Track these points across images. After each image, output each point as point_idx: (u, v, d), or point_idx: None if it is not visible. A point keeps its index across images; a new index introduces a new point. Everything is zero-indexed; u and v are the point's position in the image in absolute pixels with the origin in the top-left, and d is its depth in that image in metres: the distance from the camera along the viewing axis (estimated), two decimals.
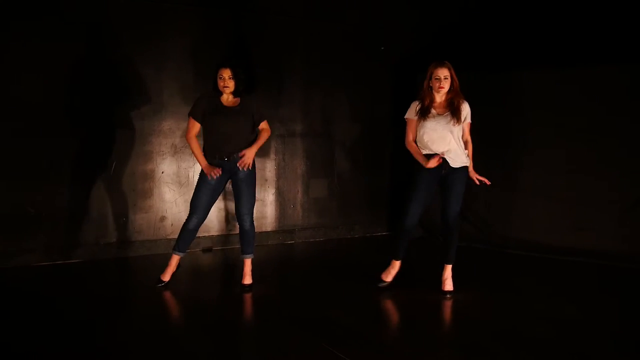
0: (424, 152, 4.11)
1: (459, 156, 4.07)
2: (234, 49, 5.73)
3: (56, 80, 5.01)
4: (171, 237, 5.52)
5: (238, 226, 4.39)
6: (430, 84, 4.08)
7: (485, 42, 6.25)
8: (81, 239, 5.18)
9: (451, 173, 4.08)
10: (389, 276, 4.35)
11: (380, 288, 4.29)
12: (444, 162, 4.04)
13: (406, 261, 4.57)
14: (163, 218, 5.55)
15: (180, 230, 4.34)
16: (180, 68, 5.50)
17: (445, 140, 4.05)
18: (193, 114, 4.18)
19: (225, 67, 4.11)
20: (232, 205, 5.79)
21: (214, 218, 5.75)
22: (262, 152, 5.97)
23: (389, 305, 4.14)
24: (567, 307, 3.98)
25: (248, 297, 4.19)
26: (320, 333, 3.37)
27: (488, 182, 4.18)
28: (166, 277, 4.32)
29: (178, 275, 4.43)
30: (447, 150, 4.04)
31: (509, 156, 5.80)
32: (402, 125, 6.53)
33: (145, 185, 5.47)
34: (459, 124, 4.05)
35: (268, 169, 6.02)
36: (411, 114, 4.18)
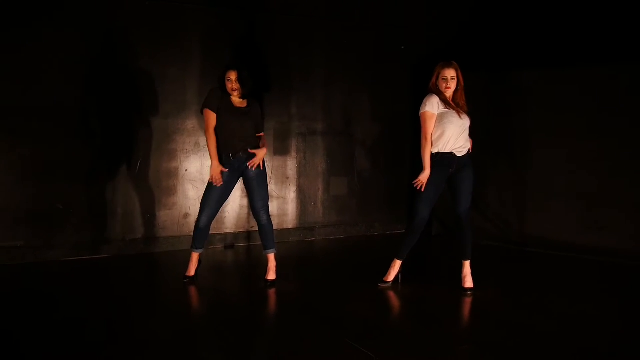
0: (437, 149, 4.12)
1: (467, 147, 4.15)
2: (256, 49, 5.83)
3: (83, 83, 5.15)
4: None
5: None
6: (438, 84, 4.12)
7: (501, 42, 6.28)
8: (108, 235, 5.32)
9: (460, 171, 4.13)
10: (390, 277, 4.38)
11: (389, 287, 4.34)
12: (453, 160, 4.09)
13: (426, 258, 4.66)
14: (187, 215, 5.67)
15: (194, 229, 4.43)
16: (202, 68, 5.61)
17: (464, 136, 4.10)
18: (209, 106, 4.22)
19: (233, 69, 4.20)
20: None
21: (236, 215, 5.87)
22: (283, 151, 6.09)
23: (409, 302, 4.19)
24: (582, 304, 4.00)
25: (271, 292, 4.27)
26: (342, 328, 3.44)
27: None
28: (190, 272, 4.43)
29: (202, 271, 4.55)
30: (463, 146, 4.09)
31: (524, 155, 5.82)
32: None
33: (169, 182, 5.59)
34: (469, 121, 4.10)
35: (289, 167, 6.11)
36: (434, 108, 4.09)
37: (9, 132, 4.89)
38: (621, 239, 5.21)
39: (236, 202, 5.86)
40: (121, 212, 5.38)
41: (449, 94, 4.12)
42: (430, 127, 4.11)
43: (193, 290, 4.35)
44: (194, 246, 4.43)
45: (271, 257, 4.42)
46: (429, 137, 4.12)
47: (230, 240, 5.87)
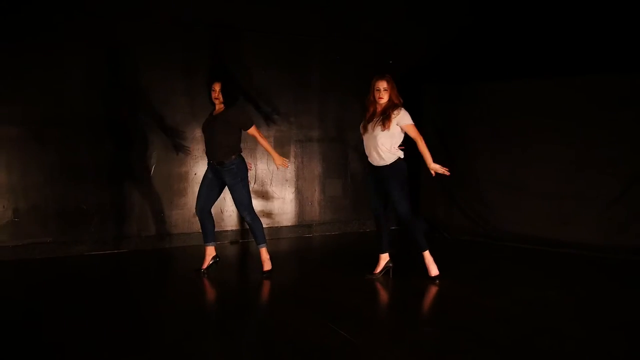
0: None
1: (383, 158, 4.63)
2: (257, 65, 6.40)
3: (104, 97, 5.74)
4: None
5: None
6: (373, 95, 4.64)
7: (482, 55, 6.84)
8: (126, 232, 5.90)
9: (379, 174, 4.67)
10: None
11: (377, 277, 4.81)
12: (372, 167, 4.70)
13: (410, 253, 5.19)
14: (195, 214, 6.26)
15: None
16: (211, 82, 6.19)
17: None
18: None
19: (217, 81, 4.81)
20: (257, 203, 6.53)
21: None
22: (283, 156, 6.48)
23: (388, 291, 4.64)
24: (548, 291, 4.45)
25: (267, 282, 4.72)
26: (326, 313, 3.89)
27: (447, 173, 4.70)
28: (203, 265, 4.96)
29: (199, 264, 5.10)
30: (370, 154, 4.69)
31: (507, 157, 6.29)
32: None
33: (180, 185, 6.18)
34: (386, 129, 4.59)
35: (288, 171, 6.69)
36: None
37: (39, 139, 5.49)
38: (584, 233, 5.75)
39: None
40: (138, 211, 5.97)
41: (381, 103, 4.65)
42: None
43: (198, 280, 4.85)
44: (203, 240, 5.01)
45: (263, 250, 4.87)
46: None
47: (235, 237, 6.49)
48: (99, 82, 5.71)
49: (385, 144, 4.59)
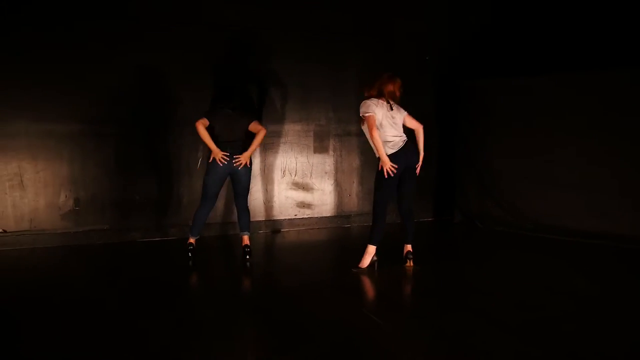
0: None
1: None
2: (298, 63, 6.70)
3: (155, 98, 6.15)
4: None
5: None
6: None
7: (518, 49, 6.96)
8: (174, 221, 6.29)
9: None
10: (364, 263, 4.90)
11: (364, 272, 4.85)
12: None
13: (445, 242, 5.35)
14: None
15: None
16: (253, 81, 6.55)
17: None
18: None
19: None
20: (298, 195, 6.83)
21: (285, 204, 6.81)
22: (322, 149, 6.95)
23: (418, 279, 4.77)
24: (575, 280, 4.60)
25: (305, 269, 4.95)
26: (361, 299, 4.22)
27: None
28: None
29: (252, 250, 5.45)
30: None
31: (535, 150, 6.40)
32: (446, 124, 7.43)
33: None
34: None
35: (327, 164, 6.98)
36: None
37: (98, 136, 5.94)
38: (616, 225, 5.82)
39: (282, 194, 6.80)
40: (185, 202, 6.35)
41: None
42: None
43: (233, 266, 5.23)
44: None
45: (247, 237, 5.28)
46: None
47: (277, 227, 6.82)
48: (148, 82, 6.11)
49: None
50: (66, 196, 5.89)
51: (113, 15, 5.90)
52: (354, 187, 7.16)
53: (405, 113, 5.07)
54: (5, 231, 5.73)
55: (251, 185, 6.60)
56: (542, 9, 6.91)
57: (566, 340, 3.28)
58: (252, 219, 6.63)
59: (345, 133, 7.02)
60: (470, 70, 7.27)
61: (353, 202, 7.16)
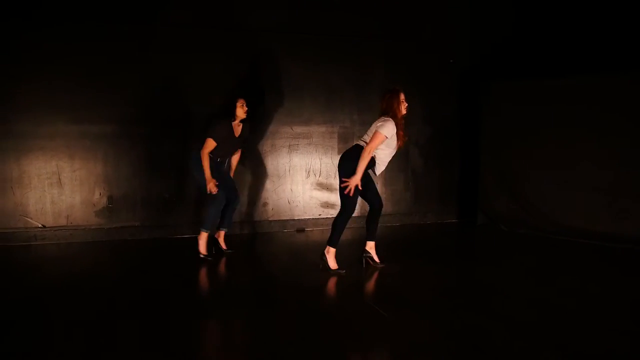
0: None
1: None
2: (324, 67, 6.87)
3: (183, 101, 6.40)
4: (272, 219, 6.82)
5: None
6: (399, 107, 4.80)
7: (541, 51, 6.98)
8: (202, 219, 6.50)
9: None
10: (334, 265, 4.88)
11: (342, 273, 4.83)
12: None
13: (467, 243, 5.35)
14: (265, 204, 6.83)
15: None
16: (279, 84, 6.75)
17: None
18: None
19: (243, 97, 5.40)
20: (322, 195, 6.99)
21: (309, 204, 6.98)
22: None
23: (433, 277, 4.81)
24: (592, 283, 4.60)
25: (322, 267, 4.96)
26: (372, 295, 4.34)
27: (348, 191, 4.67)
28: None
29: (274, 248, 5.63)
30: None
31: (559, 152, 6.41)
32: (469, 126, 7.47)
33: (251, 176, 6.75)
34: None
35: None
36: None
37: (129, 137, 6.24)
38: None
39: (306, 194, 6.97)
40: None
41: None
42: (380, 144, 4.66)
43: (256, 262, 5.46)
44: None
45: (223, 233, 5.57)
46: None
47: (302, 225, 7.00)
48: (178, 86, 6.37)
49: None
50: (100, 194, 6.20)
51: (144, 20, 6.21)
52: (377, 188, 7.24)
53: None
54: (44, 226, 6.07)
55: (275, 186, 6.84)
56: (567, 10, 6.89)
57: (577, 342, 3.29)
58: (277, 218, 6.87)
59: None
60: (495, 71, 7.32)
61: None
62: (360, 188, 4.75)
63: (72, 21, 5.97)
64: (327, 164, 7.00)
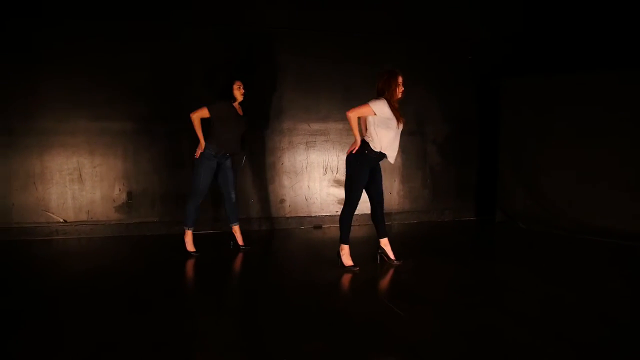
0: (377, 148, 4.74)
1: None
2: (341, 65, 6.87)
3: (199, 98, 6.43)
4: (289, 215, 6.86)
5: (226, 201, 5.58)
6: (394, 90, 4.65)
7: (560, 47, 6.90)
8: (221, 215, 6.54)
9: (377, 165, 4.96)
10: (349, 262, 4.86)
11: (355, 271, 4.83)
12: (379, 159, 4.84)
13: (485, 241, 5.29)
14: (282, 200, 6.87)
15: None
16: (297, 81, 6.77)
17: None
18: None
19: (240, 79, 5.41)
20: (339, 192, 7.01)
21: (326, 201, 7.00)
22: None
23: (449, 275, 4.79)
24: (609, 283, 4.54)
25: (336, 265, 4.98)
26: (386, 292, 4.34)
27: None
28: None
29: (291, 245, 5.65)
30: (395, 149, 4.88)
31: (579, 149, 6.32)
32: (488, 123, 7.39)
33: (268, 174, 6.81)
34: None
35: None
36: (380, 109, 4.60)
37: (149, 133, 6.32)
38: None
39: (323, 191, 6.99)
40: (233, 196, 6.63)
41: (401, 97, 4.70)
42: (364, 114, 4.62)
43: (272, 259, 5.49)
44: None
45: (238, 227, 5.61)
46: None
47: (319, 222, 7.02)
48: (197, 83, 6.41)
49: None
50: (120, 190, 6.29)
51: (164, 18, 6.27)
52: (395, 186, 7.26)
53: None
54: (65, 221, 6.18)
55: (292, 183, 6.87)
56: (590, 3, 6.79)
57: (591, 343, 3.26)
58: (295, 215, 6.90)
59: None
60: (514, 68, 7.25)
61: (394, 200, 7.27)
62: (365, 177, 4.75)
63: (93, 19, 6.06)
64: (344, 160, 6.92)
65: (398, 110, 4.67)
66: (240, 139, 5.45)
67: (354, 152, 4.71)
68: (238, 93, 5.36)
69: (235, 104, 5.39)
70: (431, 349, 3.15)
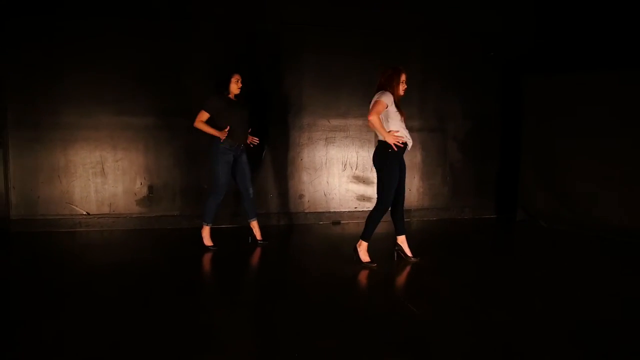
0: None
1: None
2: (362, 62, 6.85)
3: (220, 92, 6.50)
4: (307, 210, 6.89)
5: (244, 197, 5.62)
6: (397, 87, 4.70)
7: (584, 44, 6.77)
8: (239, 210, 6.51)
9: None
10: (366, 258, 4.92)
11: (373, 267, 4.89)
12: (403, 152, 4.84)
13: (504, 239, 5.25)
14: (301, 196, 6.90)
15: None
16: (315, 77, 6.78)
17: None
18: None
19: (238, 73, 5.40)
20: (358, 188, 7.01)
21: (345, 197, 7.01)
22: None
23: (467, 274, 4.74)
24: (627, 285, 4.49)
25: (355, 258, 4.98)
26: (401, 289, 4.35)
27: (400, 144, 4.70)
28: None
29: (310, 240, 5.69)
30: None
31: (603, 148, 6.21)
32: (510, 120, 7.32)
33: (288, 169, 6.84)
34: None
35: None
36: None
37: (169, 129, 6.41)
38: None
39: (342, 186, 7.00)
40: (251, 191, 6.69)
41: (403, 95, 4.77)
42: (381, 111, 4.59)
43: (286, 254, 5.54)
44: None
45: (256, 223, 5.65)
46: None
47: (337, 218, 7.03)
48: (217, 79, 6.40)
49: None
50: (141, 183, 6.39)
51: (184, 15, 6.34)
52: (414, 183, 7.24)
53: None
54: (88, 214, 6.30)
55: (311, 179, 6.90)
56: (610, 2, 6.66)
57: (604, 345, 3.23)
58: (313, 210, 6.94)
59: (407, 128, 7.03)
60: (537, 65, 7.16)
61: (413, 196, 7.25)
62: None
63: (116, 16, 6.16)
64: (363, 157, 6.99)
65: (399, 107, 4.74)
66: (246, 127, 5.47)
67: (390, 150, 4.71)
68: (235, 86, 5.37)
69: (231, 96, 5.40)
70: (443, 347, 3.15)
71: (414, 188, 7.25)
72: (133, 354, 2.98)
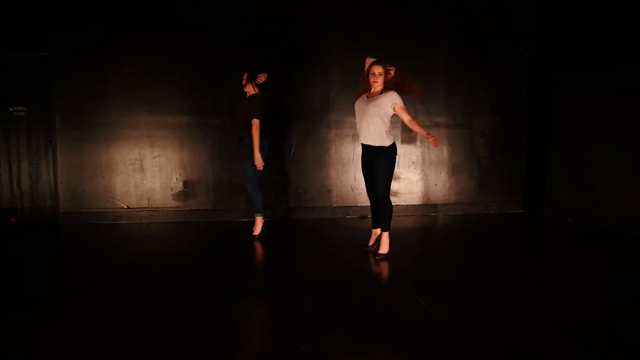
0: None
1: (375, 138, 4.90)
2: (389, 58, 6.97)
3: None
4: (335, 205, 7.11)
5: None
6: (367, 79, 4.95)
7: (612, 38, 6.70)
8: (270, 204, 6.92)
9: (374, 155, 4.96)
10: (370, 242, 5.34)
11: (370, 250, 5.27)
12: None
13: (530, 235, 5.28)
14: (329, 190, 7.13)
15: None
16: (342, 73, 6.95)
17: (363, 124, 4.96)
18: None
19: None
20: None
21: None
22: (410, 140, 7.21)
23: (484, 270, 4.77)
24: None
25: (366, 253, 5.25)
26: (413, 284, 4.36)
27: (434, 144, 4.79)
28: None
29: (338, 232, 5.92)
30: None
31: (631, 143, 6.18)
32: (538, 115, 7.34)
33: (316, 164, 7.07)
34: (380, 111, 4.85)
35: (414, 154, 7.25)
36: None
37: (203, 126, 6.75)
38: None
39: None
40: (279, 186, 6.99)
41: (375, 87, 4.93)
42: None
43: (322, 248, 5.71)
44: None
45: (260, 218, 5.87)
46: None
47: (364, 213, 7.23)
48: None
49: (378, 125, 4.89)
50: (177, 179, 6.77)
51: (217, 17, 6.65)
52: (440, 178, 7.35)
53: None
54: (128, 207, 6.73)
55: (339, 174, 7.11)
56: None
57: (616, 344, 3.20)
58: (341, 204, 7.15)
59: (434, 124, 7.21)
60: (566, 60, 7.15)
61: (440, 192, 7.37)
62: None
63: (151, 20, 6.54)
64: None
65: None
66: (241, 123, 5.71)
67: (435, 147, 5.06)
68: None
69: (250, 93, 5.79)
70: (450, 343, 3.21)
71: (440, 183, 7.36)
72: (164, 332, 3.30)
